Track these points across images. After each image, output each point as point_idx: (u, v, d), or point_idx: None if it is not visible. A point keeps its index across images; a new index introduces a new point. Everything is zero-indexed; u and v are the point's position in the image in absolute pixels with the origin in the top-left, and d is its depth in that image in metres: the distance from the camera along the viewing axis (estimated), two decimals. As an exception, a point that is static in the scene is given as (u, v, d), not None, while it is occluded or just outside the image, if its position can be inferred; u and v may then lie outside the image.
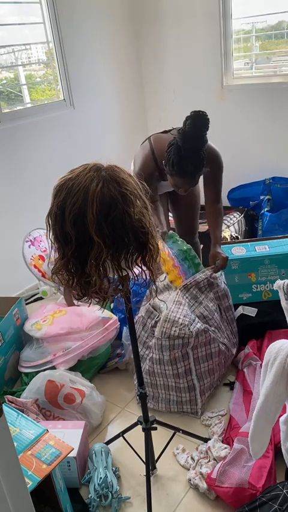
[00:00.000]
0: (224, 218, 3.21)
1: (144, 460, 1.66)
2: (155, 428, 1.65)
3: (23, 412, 1.63)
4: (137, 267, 1.25)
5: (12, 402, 1.84)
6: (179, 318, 1.87)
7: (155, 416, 1.68)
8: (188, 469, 1.72)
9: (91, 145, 3.42)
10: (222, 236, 2.96)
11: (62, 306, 2.56)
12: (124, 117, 3.76)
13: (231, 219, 3.24)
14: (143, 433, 1.65)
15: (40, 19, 3.03)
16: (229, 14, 3.23)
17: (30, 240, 2.83)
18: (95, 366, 2.26)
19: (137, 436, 1.74)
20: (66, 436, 1.66)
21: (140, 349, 2.00)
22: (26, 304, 2.78)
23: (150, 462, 1.69)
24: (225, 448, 1.70)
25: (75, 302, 2.50)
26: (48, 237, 1.17)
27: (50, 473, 1.31)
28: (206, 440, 1.81)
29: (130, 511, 1.62)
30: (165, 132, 2.18)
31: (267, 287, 2.37)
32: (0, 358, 2.18)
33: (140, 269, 1.26)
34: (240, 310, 2.35)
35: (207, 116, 1.82)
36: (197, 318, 1.93)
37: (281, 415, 1.45)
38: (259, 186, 3.39)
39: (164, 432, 1.81)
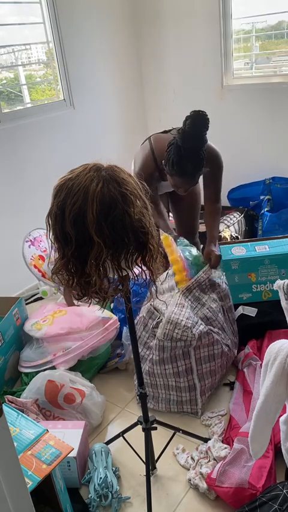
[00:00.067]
0: (224, 218, 3.22)
1: (144, 460, 1.66)
2: (155, 428, 1.65)
3: (23, 412, 1.63)
4: (137, 267, 1.25)
5: (12, 402, 1.84)
6: (182, 320, 1.86)
7: (155, 416, 1.68)
8: (188, 469, 1.72)
9: (91, 145, 3.43)
10: (223, 236, 2.96)
11: (62, 306, 2.56)
12: (124, 117, 3.76)
13: (231, 219, 3.24)
14: (143, 433, 1.65)
15: (40, 19, 3.03)
16: (229, 14, 3.23)
17: (30, 240, 2.83)
18: (95, 366, 2.26)
19: (137, 436, 1.74)
20: (66, 436, 1.66)
21: (140, 350, 2.00)
22: (26, 304, 2.78)
23: (150, 462, 1.69)
24: (225, 448, 1.70)
25: (75, 302, 2.50)
26: (48, 237, 1.17)
27: (50, 473, 1.31)
28: (206, 440, 1.81)
29: (130, 511, 1.62)
30: (165, 132, 2.18)
31: (267, 287, 2.37)
32: (0, 358, 2.18)
33: (140, 269, 1.26)
34: (240, 310, 2.35)
35: (207, 115, 1.82)
36: (200, 320, 1.93)
37: (281, 415, 1.45)
38: (259, 186, 3.39)
39: (164, 432, 1.81)
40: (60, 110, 3.23)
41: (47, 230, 1.16)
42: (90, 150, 3.37)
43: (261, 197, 3.34)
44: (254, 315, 2.30)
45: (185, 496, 1.64)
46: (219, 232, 2.95)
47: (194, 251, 2.14)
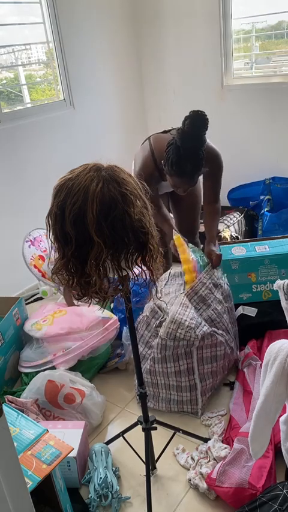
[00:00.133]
0: (224, 218, 3.22)
1: (144, 460, 1.66)
2: (155, 428, 1.65)
3: (23, 412, 1.63)
4: (137, 267, 1.25)
5: (12, 402, 1.84)
6: (186, 320, 1.86)
7: (155, 416, 1.68)
8: (188, 469, 1.72)
9: (91, 145, 3.43)
10: (223, 236, 2.97)
11: (62, 306, 2.56)
12: (124, 117, 3.76)
13: (231, 219, 3.24)
14: (143, 433, 1.65)
15: (40, 19, 3.03)
16: (229, 14, 3.23)
17: (30, 240, 2.83)
18: (95, 366, 2.26)
19: (137, 436, 1.74)
20: (66, 436, 1.66)
21: (142, 349, 2.00)
22: (26, 304, 2.78)
23: (150, 462, 1.69)
24: (225, 448, 1.70)
25: (75, 302, 2.50)
26: (48, 237, 1.17)
27: (50, 473, 1.31)
28: (206, 440, 1.81)
29: (130, 511, 1.62)
30: (165, 132, 2.18)
31: (267, 287, 2.37)
32: (0, 358, 2.18)
33: (140, 269, 1.26)
34: (240, 310, 2.35)
35: (206, 115, 1.82)
36: (203, 321, 1.92)
37: (281, 415, 1.45)
38: (259, 186, 3.39)
39: (164, 432, 1.81)
40: (60, 110, 3.23)
41: (47, 230, 1.16)
42: (90, 150, 3.37)
43: (261, 197, 3.34)
44: (254, 315, 2.30)
45: (185, 496, 1.64)
46: (219, 232, 2.95)
47: (204, 258, 2.16)
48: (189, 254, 2.07)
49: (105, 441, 1.88)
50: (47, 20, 3.04)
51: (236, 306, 2.33)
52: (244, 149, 3.48)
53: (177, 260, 2.25)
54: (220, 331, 1.99)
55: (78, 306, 2.46)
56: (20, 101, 3.22)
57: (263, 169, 3.41)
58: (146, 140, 2.22)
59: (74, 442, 1.69)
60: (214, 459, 1.69)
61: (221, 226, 3.02)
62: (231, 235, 3.04)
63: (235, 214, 3.31)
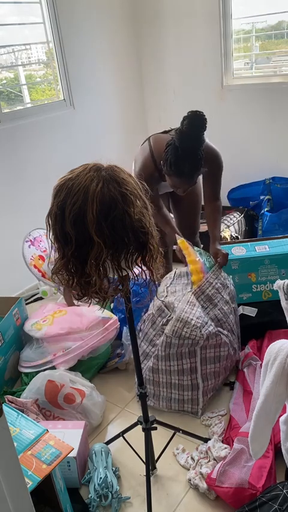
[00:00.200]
0: (224, 218, 3.22)
1: (144, 460, 1.66)
2: (155, 428, 1.65)
3: (23, 412, 1.63)
4: (137, 267, 1.25)
5: (12, 402, 1.84)
6: (192, 319, 1.86)
7: (155, 416, 1.68)
8: (188, 469, 1.72)
9: (91, 145, 3.43)
10: (222, 236, 2.96)
11: (62, 306, 2.56)
12: (124, 117, 3.76)
13: (231, 219, 3.24)
14: (143, 433, 1.65)
15: (40, 19, 3.03)
16: (229, 14, 3.23)
17: (30, 240, 2.83)
18: (95, 366, 2.26)
19: (137, 436, 1.74)
20: (66, 436, 1.66)
21: (146, 347, 2.00)
22: (26, 304, 2.78)
23: (150, 462, 1.69)
24: (225, 448, 1.70)
25: (75, 302, 2.50)
26: (48, 237, 1.17)
27: (50, 473, 1.31)
28: (206, 440, 1.81)
29: (130, 511, 1.62)
30: (165, 132, 2.18)
31: (267, 287, 2.37)
32: (0, 358, 2.18)
33: (140, 269, 1.26)
34: (240, 310, 2.35)
35: (204, 115, 1.82)
36: (209, 321, 1.92)
37: (281, 415, 1.45)
38: (259, 186, 3.39)
39: (164, 432, 1.81)
40: (60, 110, 3.23)
41: (47, 230, 1.16)
42: (90, 150, 3.37)
43: (261, 197, 3.34)
44: (254, 315, 2.30)
45: (185, 496, 1.64)
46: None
47: (210, 260, 2.19)
48: (195, 255, 2.10)
49: (105, 441, 1.88)
50: (47, 20, 3.04)
51: (236, 306, 2.33)
52: (244, 149, 3.48)
53: (177, 260, 2.26)
54: (225, 332, 1.99)
55: (78, 306, 2.46)
56: (20, 101, 3.22)
57: (263, 169, 3.41)
58: (145, 141, 2.22)
59: (74, 442, 1.69)
60: (214, 459, 1.69)
61: (221, 226, 3.02)
62: (231, 235, 3.04)
63: (235, 214, 3.31)
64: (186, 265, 2.11)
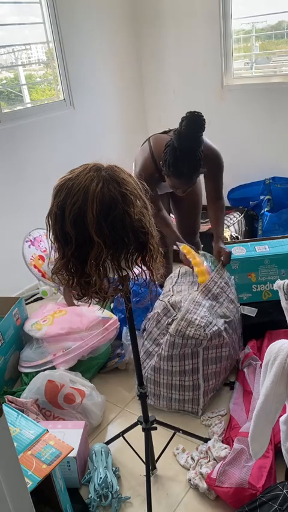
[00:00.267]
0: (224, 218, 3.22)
1: (144, 460, 1.66)
2: (155, 428, 1.65)
3: (23, 412, 1.63)
4: (137, 267, 1.25)
5: (12, 402, 1.84)
6: (196, 319, 1.87)
7: (155, 416, 1.68)
8: (188, 469, 1.72)
9: (91, 145, 3.43)
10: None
11: (62, 306, 2.56)
12: (124, 117, 3.76)
13: (231, 219, 3.24)
14: (143, 433, 1.65)
15: (40, 19, 3.03)
16: (229, 14, 3.23)
17: (30, 240, 2.83)
18: (95, 366, 2.26)
19: (137, 436, 1.74)
20: (66, 436, 1.66)
21: (149, 346, 2.00)
22: (26, 304, 2.78)
23: (150, 462, 1.69)
24: (225, 448, 1.70)
25: (75, 302, 2.50)
26: (48, 237, 1.17)
27: (50, 473, 1.31)
28: (206, 440, 1.81)
29: (130, 511, 1.62)
30: (165, 132, 2.18)
31: (267, 287, 2.37)
32: (0, 358, 2.18)
33: (140, 269, 1.26)
34: (240, 310, 2.34)
35: (202, 116, 1.82)
36: (214, 320, 1.92)
37: (281, 415, 1.45)
38: (259, 186, 3.39)
39: (164, 432, 1.81)
40: (60, 110, 3.23)
41: (47, 230, 1.16)
42: (90, 150, 3.37)
43: (261, 197, 3.34)
44: (254, 315, 2.30)
45: (185, 496, 1.64)
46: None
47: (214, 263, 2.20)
48: (199, 258, 2.11)
49: (105, 441, 1.88)
50: (47, 20, 3.04)
51: (236, 306, 2.33)
52: (244, 149, 3.48)
53: (177, 260, 2.26)
54: (231, 331, 2.00)
55: (78, 306, 2.46)
56: (20, 101, 3.22)
57: (263, 169, 3.41)
58: (146, 141, 2.22)
59: (74, 442, 1.69)
60: (214, 459, 1.69)
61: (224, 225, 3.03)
62: (231, 235, 3.04)
63: (235, 214, 3.31)
64: (192, 268, 2.13)
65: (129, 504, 1.64)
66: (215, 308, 1.98)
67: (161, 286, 2.32)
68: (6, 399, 1.86)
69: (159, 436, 1.78)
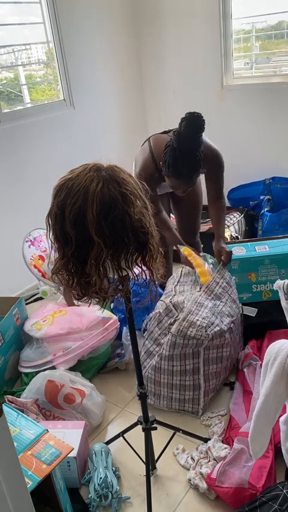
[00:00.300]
0: (224, 218, 3.22)
1: (144, 460, 1.66)
2: (155, 428, 1.65)
3: (23, 412, 1.63)
4: (137, 267, 1.25)
5: (12, 402, 1.84)
6: (198, 319, 1.87)
7: (155, 416, 1.68)
8: (188, 469, 1.72)
9: (91, 145, 3.43)
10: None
11: (62, 306, 2.56)
12: (124, 117, 3.76)
13: (231, 219, 3.24)
14: (143, 433, 1.65)
15: (40, 19, 3.03)
16: (229, 14, 3.23)
17: (30, 240, 2.83)
18: (95, 366, 2.26)
19: (137, 436, 1.74)
20: (66, 436, 1.66)
21: (150, 345, 2.01)
22: (26, 304, 2.78)
23: (150, 462, 1.69)
24: (225, 448, 1.70)
25: (75, 302, 2.50)
26: (48, 237, 1.17)
27: (50, 473, 1.31)
28: (206, 440, 1.81)
29: (130, 511, 1.62)
30: (165, 132, 2.18)
31: (267, 287, 2.37)
32: (0, 358, 2.18)
33: (140, 269, 1.26)
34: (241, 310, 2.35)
35: (202, 117, 1.82)
36: (217, 320, 1.92)
37: (281, 415, 1.45)
38: (259, 186, 3.39)
39: (164, 432, 1.81)
40: (60, 110, 3.23)
41: (47, 230, 1.16)
42: (90, 150, 3.37)
43: (261, 197, 3.34)
44: (254, 315, 2.30)
45: (185, 496, 1.64)
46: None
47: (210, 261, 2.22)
48: (201, 259, 2.13)
49: (105, 441, 1.88)
50: (47, 20, 3.04)
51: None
52: (244, 149, 3.48)
53: (177, 260, 2.26)
54: (236, 330, 2.01)
55: (78, 306, 2.46)
56: (20, 101, 3.22)
57: (263, 169, 3.41)
58: (146, 141, 2.22)
59: (74, 442, 1.69)
60: (214, 459, 1.69)
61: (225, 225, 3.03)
62: (231, 235, 3.04)
63: (235, 214, 3.31)
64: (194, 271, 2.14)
65: (129, 504, 1.64)
66: (219, 307, 1.98)
67: (161, 286, 2.32)
68: (6, 399, 1.86)
69: (159, 436, 1.78)
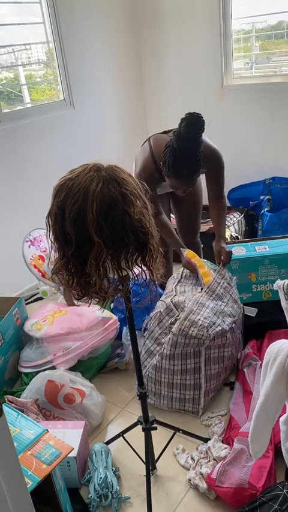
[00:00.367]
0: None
1: (144, 460, 1.66)
2: (155, 428, 1.65)
3: (23, 412, 1.63)
4: (137, 267, 1.25)
5: (12, 402, 1.84)
6: (199, 319, 1.87)
7: (155, 416, 1.68)
8: (188, 469, 1.72)
9: (91, 145, 3.43)
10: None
11: (62, 306, 2.56)
12: (124, 117, 3.76)
13: (231, 219, 3.24)
14: (143, 433, 1.65)
15: (40, 19, 3.03)
16: (229, 14, 3.23)
17: (30, 240, 2.83)
18: (95, 366, 2.26)
19: (137, 436, 1.74)
20: (66, 436, 1.66)
21: (150, 345, 2.01)
22: (26, 304, 2.78)
23: (150, 462, 1.69)
24: (225, 448, 1.70)
25: (75, 302, 2.50)
26: (48, 237, 1.17)
27: (50, 473, 1.31)
28: (206, 440, 1.81)
29: (130, 511, 1.62)
30: (165, 132, 2.18)
31: (267, 287, 2.37)
32: (0, 358, 2.18)
33: (140, 269, 1.26)
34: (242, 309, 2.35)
35: (202, 117, 1.82)
36: (218, 320, 1.92)
37: (281, 415, 1.45)
38: (259, 186, 3.39)
39: (164, 432, 1.81)
40: (60, 110, 3.23)
41: (47, 230, 1.16)
42: (90, 150, 3.37)
43: (261, 197, 3.34)
44: (254, 315, 2.31)
45: (185, 496, 1.64)
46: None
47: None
48: (202, 261, 2.14)
49: (105, 441, 1.88)
50: (47, 20, 3.04)
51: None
52: (244, 149, 3.48)
53: (177, 260, 2.27)
54: (238, 330, 2.01)
55: (78, 306, 2.46)
56: (20, 101, 3.22)
57: (263, 169, 3.41)
58: (146, 141, 2.22)
59: (74, 442, 1.69)
60: (214, 459, 1.69)
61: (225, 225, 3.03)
62: (231, 235, 3.04)
63: (235, 214, 3.31)
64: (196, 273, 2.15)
65: (129, 504, 1.64)
66: (221, 307, 1.99)
67: (161, 286, 2.32)
68: (6, 399, 1.86)
69: (159, 436, 1.78)
